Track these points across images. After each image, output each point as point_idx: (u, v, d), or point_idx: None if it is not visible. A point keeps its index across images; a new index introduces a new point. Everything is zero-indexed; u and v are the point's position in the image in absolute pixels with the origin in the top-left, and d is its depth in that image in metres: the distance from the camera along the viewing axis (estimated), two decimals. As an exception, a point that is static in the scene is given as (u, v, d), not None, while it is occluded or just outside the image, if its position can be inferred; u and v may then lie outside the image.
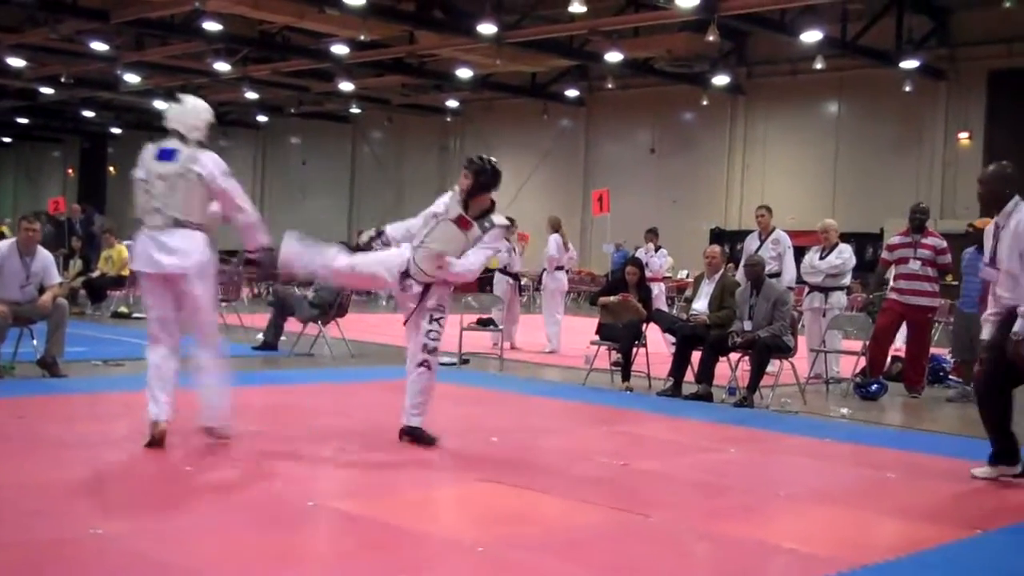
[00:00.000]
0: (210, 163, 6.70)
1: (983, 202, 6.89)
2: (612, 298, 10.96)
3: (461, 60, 27.34)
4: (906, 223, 11.44)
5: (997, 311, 6.66)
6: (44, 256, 9.63)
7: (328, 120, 40.08)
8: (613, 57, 25.08)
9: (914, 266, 11.05)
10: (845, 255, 12.01)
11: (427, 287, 6.93)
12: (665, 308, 16.07)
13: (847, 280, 12.37)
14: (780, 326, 9.87)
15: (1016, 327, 6.40)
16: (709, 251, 11.15)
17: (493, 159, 7.07)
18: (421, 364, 7.04)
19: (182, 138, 6.70)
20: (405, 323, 7.09)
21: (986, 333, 6.76)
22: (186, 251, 6.54)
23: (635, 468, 6.79)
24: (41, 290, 9.53)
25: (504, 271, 14.92)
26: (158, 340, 6.63)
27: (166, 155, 6.65)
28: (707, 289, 10.79)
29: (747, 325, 10.03)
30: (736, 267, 12.56)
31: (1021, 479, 6.72)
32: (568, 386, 11.03)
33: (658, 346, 12.30)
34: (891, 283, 11.46)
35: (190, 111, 6.86)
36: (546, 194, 33.56)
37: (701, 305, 10.71)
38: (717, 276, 10.80)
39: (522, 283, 15.43)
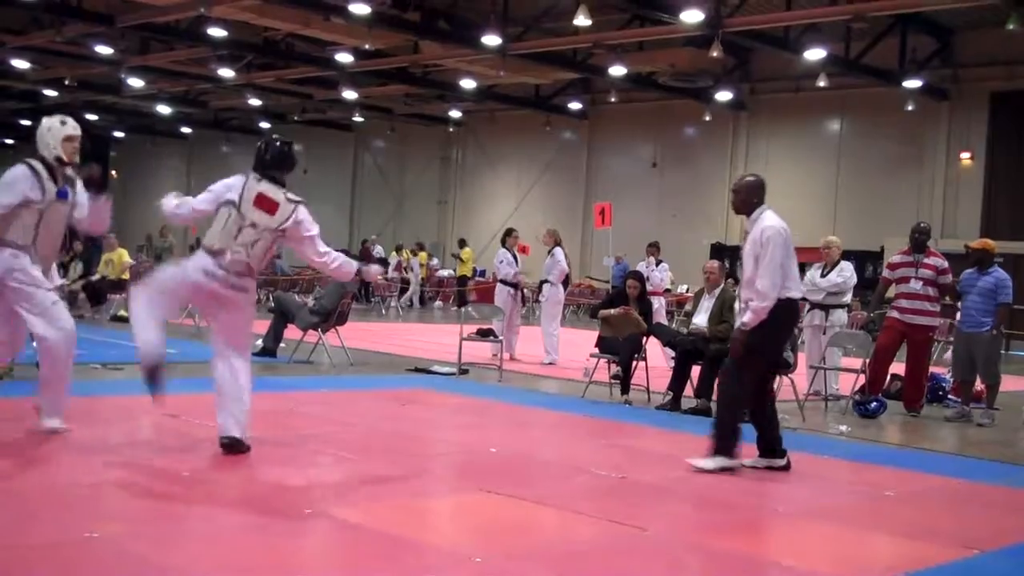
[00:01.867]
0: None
1: (735, 209, 7.46)
2: (613, 311, 10.96)
3: (465, 71, 27.40)
4: (907, 242, 11.45)
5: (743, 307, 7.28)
6: None
7: (331, 128, 40.15)
8: (617, 71, 25.14)
9: (915, 286, 11.05)
10: (847, 273, 12.01)
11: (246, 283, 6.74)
12: (665, 322, 16.07)
13: (848, 298, 12.36)
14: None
15: (744, 317, 7.08)
16: (708, 266, 11.14)
17: (281, 140, 7.10)
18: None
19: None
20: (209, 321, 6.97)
21: (743, 318, 7.24)
22: None
23: (633, 481, 6.77)
24: None
25: (505, 282, 14.92)
26: None
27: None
28: (707, 304, 10.78)
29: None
30: (736, 283, 12.56)
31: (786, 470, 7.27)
32: (567, 398, 11.02)
33: (657, 360, 12.30)
34: (892, 302, 11.46)
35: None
36: (547, 206, 33.62)
37: (701, 320, 10.69)
38: (717, 291, 10.79)
39: (524, 294, 15.41)
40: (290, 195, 6.74)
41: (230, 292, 6.55)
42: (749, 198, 7.33)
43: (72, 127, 6.87)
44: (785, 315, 7.16)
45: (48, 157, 6.75)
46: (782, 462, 7.33)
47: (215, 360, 6.81)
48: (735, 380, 7.15)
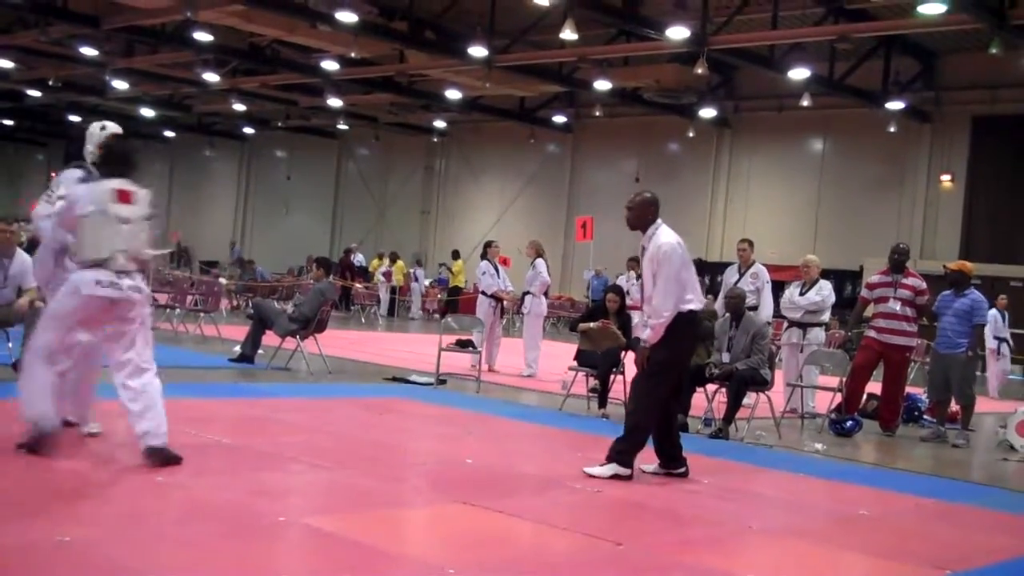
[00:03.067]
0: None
1: (630, 224, 7.52)
2: (592, 324, 10.96)
3: (450, 81, 27.43)
4: (886, 262, 11.51)
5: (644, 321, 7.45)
6: (22, 259, 9.55)
7: (315, 135, 40.11)
8: (602, 85, 25.22)
9: (894, 306, 11.11)
10: (825, 292, 12.08)
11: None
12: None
13: (826, 316, 12.43)
14: (758, 359, 9.91)
15: (644, 335, 7.22)
16: None
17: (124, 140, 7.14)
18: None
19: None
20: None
21: (643, 335, 7.39)
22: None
23: (608, 495, 6.77)
24: (19, 293, 9.46)
25: (486, 294, 14.93)
26: None
27: None
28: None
29: (725, 357, 10.05)
30: (715, 299, 12.61)
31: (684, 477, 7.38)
32: (545, 411, 11.02)
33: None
34: (870, 321, 11.53)
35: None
36: (530, 218, 33.66)
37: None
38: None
39: (504, 306, 15.42)
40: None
41: (129, 295, 6.41)
42: (644, 214, 7.41)
43: (112, 129, 7.08)
44: (686, 327, 7.24)
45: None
46: (682, 470, 7.44)
47: (118, 375, 6.42)
48: (646, 395, 7.23)
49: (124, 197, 6.44)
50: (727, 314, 10.43)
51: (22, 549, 4.52)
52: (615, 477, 7.06)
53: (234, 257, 32.01)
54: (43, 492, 5.60)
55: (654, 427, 7.33)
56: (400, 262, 30.39)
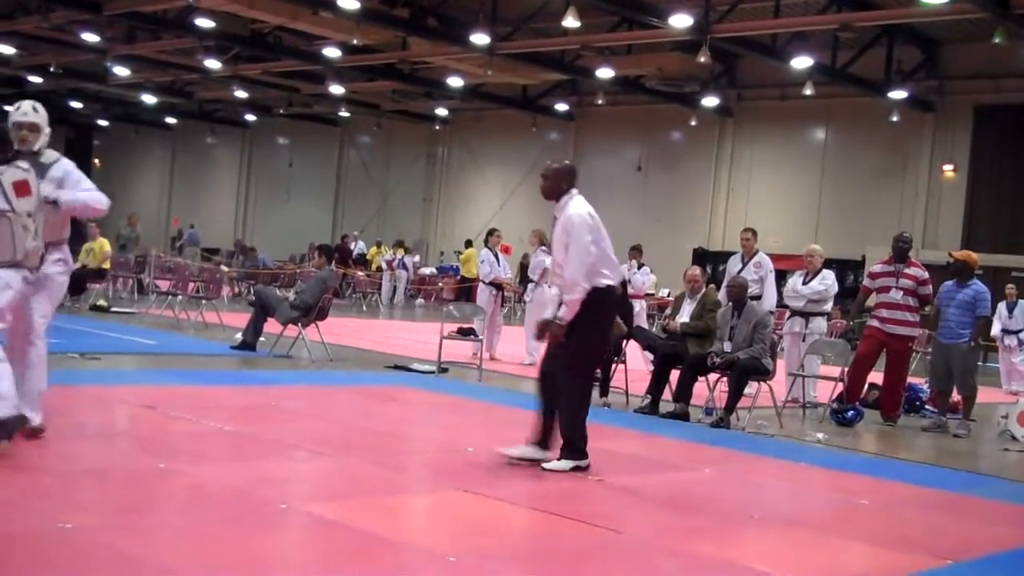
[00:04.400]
0: None
1: (544, 194, 7.22)
2: None
3: (452, 69, 27.38)
4: (888, 251, 11.50)
5: (557, 295, 7.06)
6: None
7: (316, 122, 40.07)
8: (604, 73, 25.17)
9: (896, 296, 11.10)
10: (828, 281, 12.06)
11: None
12: (646, 326, 16.08)
13: (829, 306, 12.41)
14: (760, 348, 9.90)
15: (560, 312, 6.87)
16: (690, 273, 11.17)
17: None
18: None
19: None
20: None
21: (548, 313, 7.13)
22: None
23: (609, 484, 6.78)
24: None
25: (486, 282, 14.93)
26: None
27: None
28: (688, 308, 10.82)
29: (727, 346, 10.05)
30: (718, 288, 12.60)
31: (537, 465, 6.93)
32: (546, 399, 11.01)
33: (637, 363, 12.32)
34: (872, 311, 11.52)
35: None
36: (532, 206, 33.56)
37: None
38: (698, 296, 10.82)
39: (505, 294, 15.42)
40: (19, 164, 6.18)
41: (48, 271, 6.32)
42: (557, 183, 7.11)
43: (20, 113, 6.52)
44: (602, 303, 6.90)
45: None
46: (544, 455, 7.01)
47: (17, 341, 6.32)
48: (575, 381, 6.95)
49: (23, 189, 6.06)
50: (729, 303, 10.42)
51: (24, 536, 4.53)
52: (576, 469, 6.84)
53: (188, 240, 31.68)
54: (43, 479, 5.60)
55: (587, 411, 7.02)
56: (383, 247, 30.32)
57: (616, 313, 7.47)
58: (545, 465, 6.87)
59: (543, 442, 7.04)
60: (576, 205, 7.00)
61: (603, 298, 6.89)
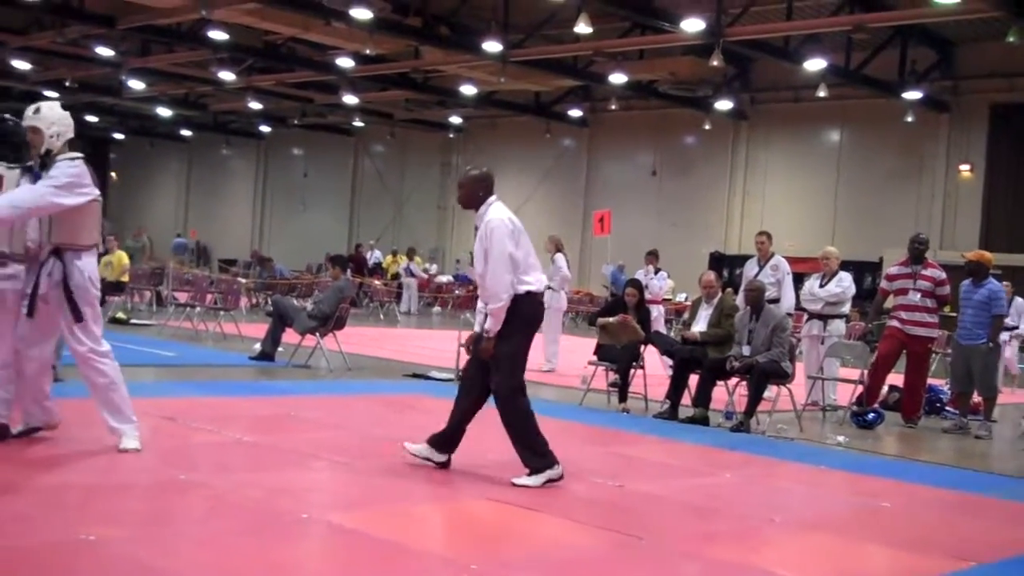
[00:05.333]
0: None
1: (461, 203, 7.04)
2: (611, 319, 10.95)
3: (465, 77, 27.42)
4: (905, 253, 11.45)
5: (482, 307, 6.87)
6: None
7: (331, 132, 40.18)
8: (617, 78, 25.17)
9: (914, 297, 11.05)
10: (845, 283, 12.01)
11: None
12: (664, 331, 16.05)
13: (846, 308, 12.37)
14: (778, 352, 9.86)
15: (486, 324, 6.66)
16: (705, 279, 11.15)
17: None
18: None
19: None
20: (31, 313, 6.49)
21: (476, 325, 6.97)
22: None
23: (630, 490, 6.77)
24: None
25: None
26: None
27: None
28: (705, 313, 10.80)
29: (745, 350, 10.02)
30: (735, 292, 12.57)
31: (444, 468, 6.87)
32: (565, 406, 11.01)
33: (656, 368, 12.29)
34: (891, 312, 11.46)
35: None
36: (547, 213, 33.62)
37: (700, 329, 10.70)
38: (715, 301, 10.80)
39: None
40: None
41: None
42: (474, 191, 6.90)
43: (24, 117, 6.58)
44: (527, 309, 6.75)
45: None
46: (445, 459, 6.92)
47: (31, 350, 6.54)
48: (508, 395, 6.77)
49: None
50: (747, 307, 10.40)
51: (47, 548, 4.55)
52: (549, 482, 6.58)
53: (178, 250, 31.66)
54: (66, 492, 5.63)
55: (459, 407, 6.95)
56: (399, 256, 30.29)
57: (540, 320, 7.13)
58: (514, 480, 6.61)
59: (436, 441, 6.92)
60: (496, 211, 6.82)
61: (528, 303, 6.73)
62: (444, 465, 6.92)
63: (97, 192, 6.59)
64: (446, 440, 6.95)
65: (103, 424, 6.57)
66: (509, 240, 6.66)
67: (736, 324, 10.31)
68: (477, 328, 6.92)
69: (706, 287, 10.98)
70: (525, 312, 6.73)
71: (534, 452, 6.70)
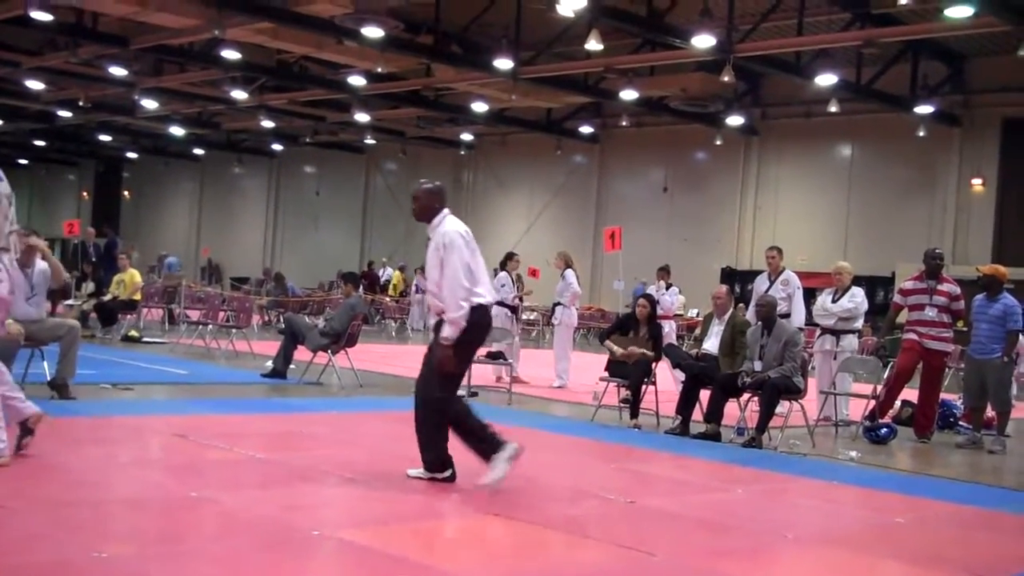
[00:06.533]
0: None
1: (416, 216, 7.17)
2: (618, 351, 10.89)
3: (476, 94, 27.49)
4: (918, 267, 11.42)
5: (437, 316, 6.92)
6: (43, 267, 9.56)
7: (342, 150, 40.31)
8: (628, 95, 25.20)
9: (930, 313, 11.01)
10: (858, 298, 11.98)
11: None
12: (675, 346, 16.03)
13: (859, 323, 12.33)
14: (790, 367, 9.84)
15: (444, 332, 6.66)
16: (716, 292, 11.14)
17: None
18: None
19: None
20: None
21: (432, 337, 6.99)
22: None
23: (642, 506, 6.76)
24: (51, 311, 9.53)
25: (502, 303, 14.98)
26: None
27: None
28: (717, 329, 10.78)
29: (757, 365, 9.99)
30: (746, 307, 12.56)
31: (450, 481, 6.87)
32: (576, 422, 11.01)
33: (667, 384, 12.28)
34: (905, 327, 11.42)
35: None
36: (558, 229, 33.66)
37: (711, 345, 10.69)
38: (726, 316, 10.77)
39: (520, 316, 15.46)
40: None
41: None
42: (429, 203, 7.03)
43: None
44: (477, 321, 6.74)
45: None
46: (450, 473, 6.94)
47: None
48: (433, 399, 6.79)
49: None
50: (759, 322, 10.37)
51: (60, 567, 4.56)
52: (433, 480, 6.81)
53: (167, 270, 31.65)
54: (78, 510, 5.64)
55: (447, 431, 6.87)
56: (397, 273, 30.21)
57: (487, 333, 7.15)
58: (409, 472, 6.84)
59: (485, 454, 6.90)
60: (450, 224, 6.92)
61: (473, 316, 6.72)
62: (451, 480, 6.90)
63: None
64: (487, 445, 6.91)
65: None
66: (466, 250, 6.77)
67: (748, 339, 10.28)
68: (431, 339, 6.93)
69: (716, 299, 10.96)
70: (473, 324, 6.74)
71: (432, 459, 6.81)
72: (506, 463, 6.78)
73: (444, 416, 6.82)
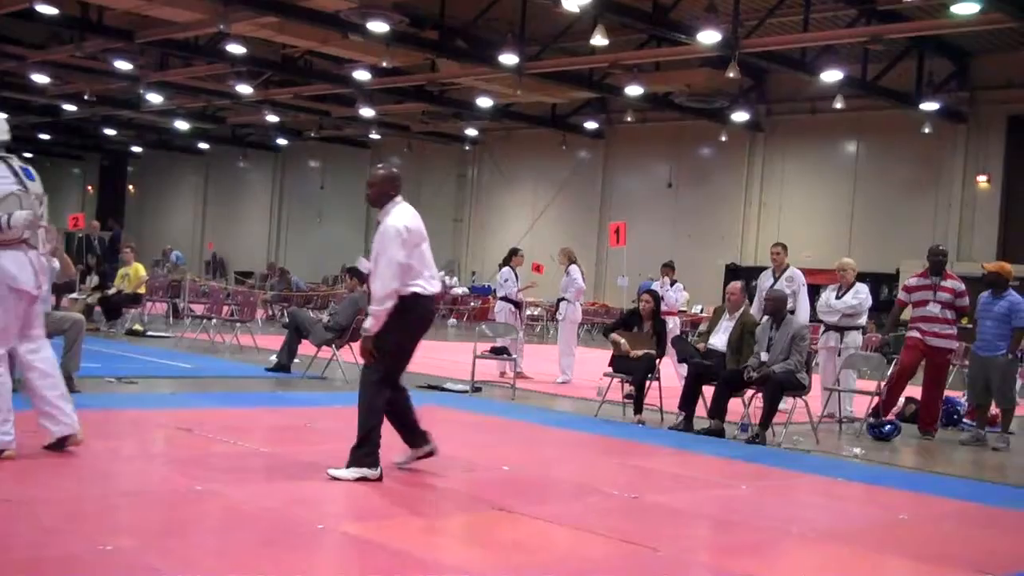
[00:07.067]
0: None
1: (369, 202, 7.09)
2: (623, 343, 10.88)
3: (481, 89, 27.47)
4: (922, 264, 11.41)
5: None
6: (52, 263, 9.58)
7: (347, 145, 40.29)
8: (633, 90, 25.16)
9: (934, 309, 11.02)
10: (862, 295, 11.98)
11: None
12: (679, 342, 16.03)
13: (863, 320, 12.33)
14: (797, 360, 9.83)
15: (366, 324, 6.74)
16: (731, 287, 11.16)
17: None
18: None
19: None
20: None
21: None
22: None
23: (645, 501, 6.76)
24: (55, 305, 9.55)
25: (506, 299, 15.00)
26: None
27: (29, 174, 6.60)
28: (726, 324, 10.78)
29: (764, 356, 9.98)
30: (750, 304, 12.55)
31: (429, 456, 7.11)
32: (580, 417, 11.01)
33: (671, 380, 12.28)
34: (909, 324, 11.42)
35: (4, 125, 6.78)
36: (562, 224, 33.65)
37: (718, 340, 10.69)
38: (738, 314, 10.76)
39: (523, 311, 15.49)
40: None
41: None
42: (384, 190, 6.97)
43: None
44: (413, 310, 6.76)
45: None
46: (430, 447, 7.13)
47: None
48: (375, 391, 6.79)
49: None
50: (767, 317, 10.37)
51: (66, 560, 4.57)
52: (363, 479, 6.58)
53: (173, 262, 31.64)
54: (83, 503, 5.65)
55: (387, 415, 6.92)
56: None
57: (427, 322, 7.06)
58: (330, 472, 6.63)
59: (410, 441, 7.12)
60: (396, 215, 6.85)
61: (415, 305, 6.76)
62: (432, 452, 7.13)
63: (13, 188, 6.59)
64: (411, 436, 7.11)
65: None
66: (401, 248, 6.68)
67: (757, 334, 10.28)
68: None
69: (731, 296, 10.95)
70: (409, 312, 6.75)
71: (362, 446, 6.68)
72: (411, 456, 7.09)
73: (378, 401, 6.79)
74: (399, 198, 6.97)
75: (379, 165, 7.41)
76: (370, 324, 6.67)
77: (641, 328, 11.02)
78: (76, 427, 6.61)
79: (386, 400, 6.84)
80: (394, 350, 6.81)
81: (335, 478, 6.57)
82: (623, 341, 10.86)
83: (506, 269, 15.16)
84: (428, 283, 6.83)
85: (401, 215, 6.86)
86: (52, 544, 4.78)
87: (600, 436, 9.72)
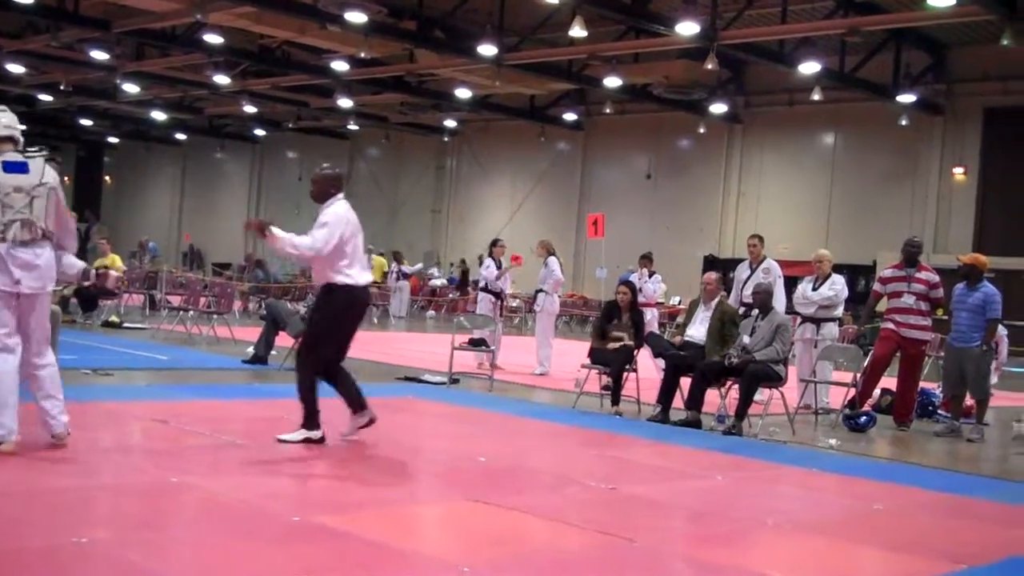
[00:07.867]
0: (55, 177, 6.59)
1: (313, 197, 7.72)
2: (611, 345, 10.90)
3: (460, 80, 27.45)
4: (899, 256, 11.47)
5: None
6: None
7: (326, 136, 40.17)
8: (612, 82, 25.19)
9: (908, 300, 11.07)
10: (838, 286, 12.03)
11: None
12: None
13: (839, 311, 12.37)
14: (778, 348, 9.87)
15: (278, 234, 7.36)
16: (707, 277, 11.17)
17: None
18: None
19: (19, 148, 6.60)
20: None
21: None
22: (48, 268, 6.45)
23: (622, 492, 6.77)
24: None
25: (486, 289, 14.99)
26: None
27: (17, 167, 6.51)
28: (702, 315, 10.79)
29: (746, 339, 10.02)
30: (727, 295, 12.59)
31: (323, 443, 7.46)
32: (558, 409, 11.02)
33: (649, 371, 12.31)
34: (884, 315, 11.48)
35: (13, 119, 6.72)
36: (541, 216, 33.68)
37: (696, 331, 10.70)
38: (714, 303, 10.78)
39: (504, 303, 15.49)
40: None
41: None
42: (326, 188, 7.65)
43: None
44: (347, 301, 7.43)
45: None
46: (369, 414, 7.69)
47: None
48: (306, 368, 7.48)
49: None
50: (754, 309, 10.43)
51: (40, 552, 4.55)
52: (307, 440, 7.31)
53: (152, 254, 31.47)
54: (58, 495, 5.62)
55: (334, 387, 7.63)
56: (379, 258, 30.20)
57: (358, 312, 7.70)
58: (280, 436, 7.35)
59: (354, 408, 7.69)
60: (337, 207, 7.53)
61: (348, 296, 7.40)
62: (373, 420, 7.69)
63: None
64: (356, 402, 7.69)
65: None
66: (346, 227, 7.37)
67: (741, 327, 10.31)
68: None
69: (706, 284, 10.97)
70: (339, 301, 7.41)
71: (308, 415, 7.43)
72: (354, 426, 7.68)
73: (310, 377, 7.45)
74: (340, 195, 7.61)
75: (324, 165, 7.96)
76: (279, 236, 7.30)
77: (620, 320, 11.03)
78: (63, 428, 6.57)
79: (316, 375, 7.49)
80: (319, 332, 7.52)
81: (283, 441, 7.29)
82: (624, 335, 10.85)
83: (488, 259, 15.21)
84: (359, 276, 7.44)
85: (342, 209, 7.52)
86: (26, 536, 4.75)
87: (578, 428, 9.73)
